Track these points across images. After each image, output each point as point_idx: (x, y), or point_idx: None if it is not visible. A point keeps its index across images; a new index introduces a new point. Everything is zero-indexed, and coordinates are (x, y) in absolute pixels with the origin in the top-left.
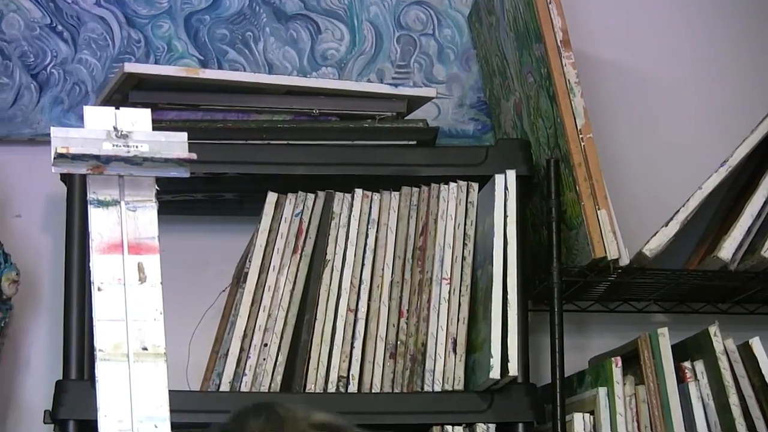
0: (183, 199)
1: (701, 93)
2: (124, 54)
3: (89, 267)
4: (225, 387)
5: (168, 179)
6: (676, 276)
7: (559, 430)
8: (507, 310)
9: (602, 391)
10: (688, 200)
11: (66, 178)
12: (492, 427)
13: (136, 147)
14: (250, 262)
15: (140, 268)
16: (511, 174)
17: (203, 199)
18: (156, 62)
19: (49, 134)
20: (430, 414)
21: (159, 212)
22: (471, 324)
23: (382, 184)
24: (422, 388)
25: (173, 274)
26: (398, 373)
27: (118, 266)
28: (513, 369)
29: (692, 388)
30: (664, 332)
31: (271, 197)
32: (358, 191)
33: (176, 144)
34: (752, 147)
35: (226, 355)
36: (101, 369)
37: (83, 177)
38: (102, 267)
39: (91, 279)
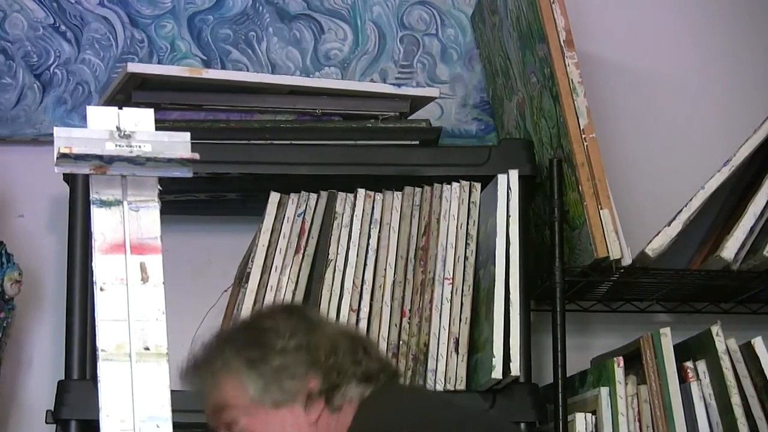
0: (186, 199)
1: (704, 93)
2: (127, 54)
3: (92, 267)
4: None
5: (171, 179)
6: (678, 276)
7: (561, 429)
8: (509, 309)
9: (604, 390)
10: (690, 200)
11: (69, 178)
12: None
13: (139, 147)
14: (252, 261)
15: (143, 268)
16: (514, 174)
17: (206, 199)
18: (159, 62)
19: (52, 134)
20: None
21: (162, 212)
22: (473, 324)
23: (385, 184)
24: None
25: (176, 274)
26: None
27: (120, 266)
28: (515, 369)
29: (694, 388)
30: (666, 332)
31: (274, 197)
32: (361, 191)
33: (179, 144)
34: (755, 147)
35: None
36: (103, 369)
37: (86, 177)
38: (104, 267)
39: (94, 279)
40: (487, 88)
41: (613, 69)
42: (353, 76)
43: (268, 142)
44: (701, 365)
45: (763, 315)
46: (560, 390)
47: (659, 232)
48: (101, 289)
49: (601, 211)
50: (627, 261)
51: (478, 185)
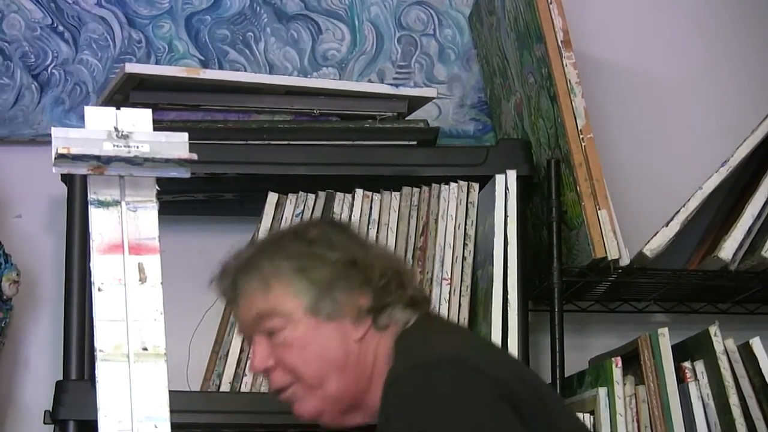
0: (183, 200)
1: (702, 93)
2: (124, 54)
3: (90, 267)
4: (225, 387)
5: (168, 179)
6: (676, 276)
7: None
8: (507, 310)
9: (602, 391)
10: (688, 200)
11: (66, 178)
12: None
13: (137, 147)
14: None
15: (141, 269)
16: (512, 174)
17: (204, 200)
18: (157, 63)
19: (49, 135)
20: None
21: (159, 212)
22: (471, 324)
23: (383, 184)
24: None
25: (174, 274)
26: None
27: (118, 266)
28: None
29: (692, 388)
30: (664, 332)
31: (272, 197)
32: (359, 191)
33: (177, 144)
34: (753, 147)
35: (227, 355)
36: (101, 369)
37: (84, 177)
38: (102, 267)
39: (92, 279)
40: (484, 89)
41: (611, 69)
42: (351, 77)
43: (266, 142)
44: (699, 365)
45: (761, 315)
46: (558, 390)
47: (657, 233)
48: (99, 290)
49: (599, 212)
50: (625, 261)
51: (476, 185)
